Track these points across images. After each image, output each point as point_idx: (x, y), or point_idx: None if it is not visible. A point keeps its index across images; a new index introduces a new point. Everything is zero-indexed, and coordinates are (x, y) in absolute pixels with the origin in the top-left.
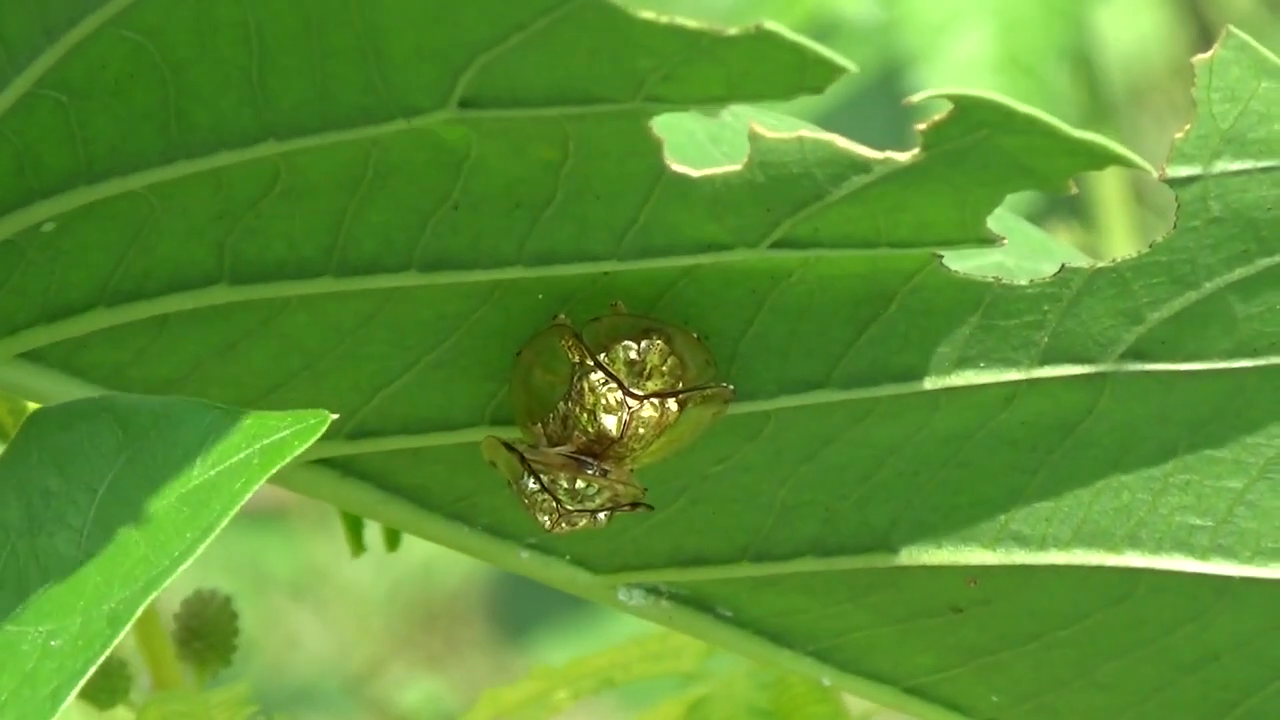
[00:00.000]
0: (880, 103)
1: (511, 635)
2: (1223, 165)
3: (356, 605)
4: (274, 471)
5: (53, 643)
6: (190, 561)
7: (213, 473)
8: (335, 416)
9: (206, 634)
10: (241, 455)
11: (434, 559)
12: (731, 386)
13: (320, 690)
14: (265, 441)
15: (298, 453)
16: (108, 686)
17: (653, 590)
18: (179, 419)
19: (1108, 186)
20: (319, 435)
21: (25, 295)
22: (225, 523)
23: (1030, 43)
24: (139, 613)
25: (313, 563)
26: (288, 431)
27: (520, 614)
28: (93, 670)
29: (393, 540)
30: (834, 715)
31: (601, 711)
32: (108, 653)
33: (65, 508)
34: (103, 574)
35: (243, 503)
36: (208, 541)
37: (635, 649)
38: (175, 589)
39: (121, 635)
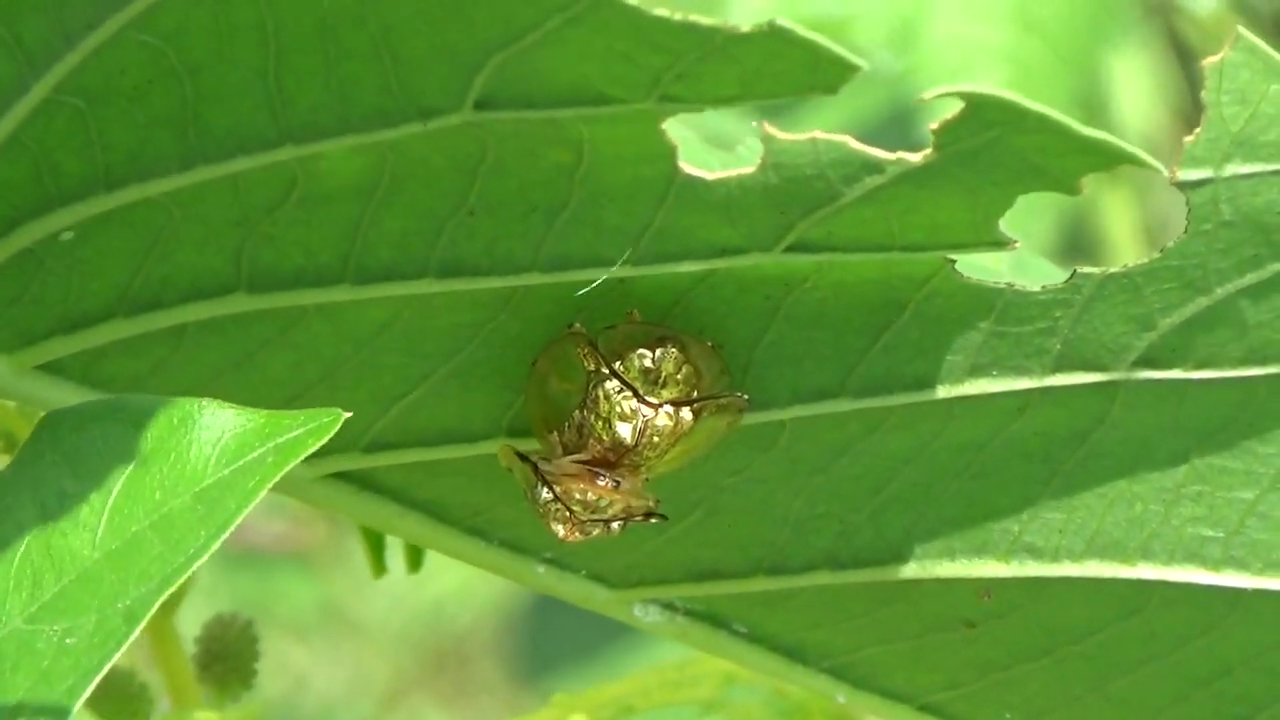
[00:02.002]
0: (893, 149)
1: (522, 677)
2: (1233, 168)
3: (366, 645)
4: (289, 469)
5: (68, 640)
6: (205, 558)
7: (226, 471)
8: (348, 415)
9: (227, 657)
10: (255, 454)
11: (444, 599)
12: (746, 396)
13: None
14: (279, 440)
15: (311, 450)
16: (129, 709)
17: (668, 606)
18: (192, 419)
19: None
20: (332, 434)
21: (43, 305)
22: (239, 520)
23: (1042, 90)
24: (154, 609)
25: (322, 602)
26: (301, 430)
27: (531, 655)
28: (108, 667)
29: (414, 561)
30: None
31: None
32: (123, 649)
33: (79, 507)
34: (117, 572)
35: (257, 500)
36: (222, 539)
37: (654, 676)
38: (194, 614)
39: (136, 633)
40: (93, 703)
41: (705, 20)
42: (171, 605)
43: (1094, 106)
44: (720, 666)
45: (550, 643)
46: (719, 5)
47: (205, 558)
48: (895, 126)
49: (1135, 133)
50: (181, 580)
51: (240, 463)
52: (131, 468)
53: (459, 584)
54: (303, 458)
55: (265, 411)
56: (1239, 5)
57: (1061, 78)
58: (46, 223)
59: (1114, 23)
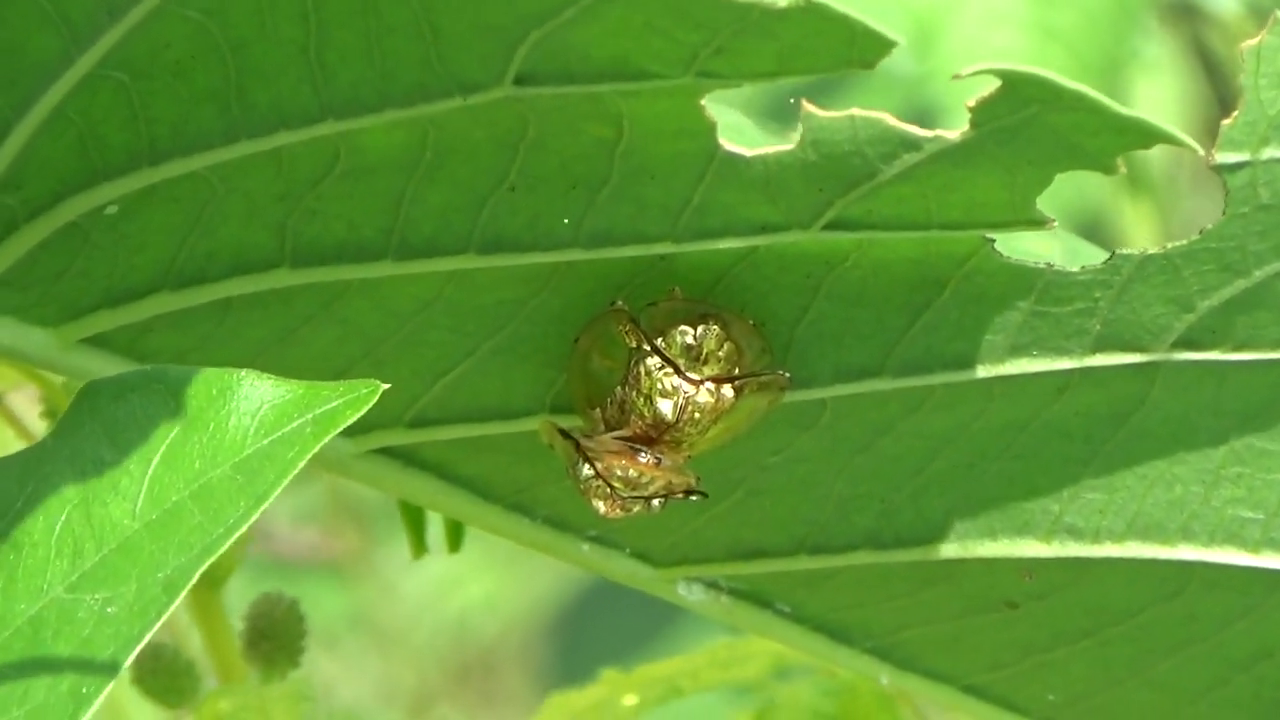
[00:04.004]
0: None
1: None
2: (1270, 152)
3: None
4: (327, 440)
5: (109, 609)
6: (245, 528)
7: (266, 442)
8: (386, 386)
9: (275, 635)
10: (294, 424)
11: (471, 609)
12: (787, 374)
13: None
14: (318, 411)
15: (349, 422)
16: (175, 687)
17: (712, 585)
18: (232, 389)
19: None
20: (370, 405)
21: (88, 279)
22: (279, 491)
23: None
24: (194, 579)
25: (350, 612)
26: (339, 401)
27: (557, 667)
28: (149, 636)
29: (454, 541)
30: None
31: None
32: (164, 619)
33: (119, 477)
34: (157, 542)
35: (296, 471)
36: (262, 509)
37: (703, 657)
38: (238, 595)
39: (177, 602)
40: (140, 680)
41: None
42: (218, 582)
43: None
44: (769, 648)
45: (574, 656)
46: None
47: (245, 528)
48: None
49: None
50: (221, 550)
51: (279, 433)
52: (171, 438)
53: (485, 595)
54: (341, 429)
55: (304, 383)
56: (1258, 9)
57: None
58: (91, 196)
59: (1134, 29)
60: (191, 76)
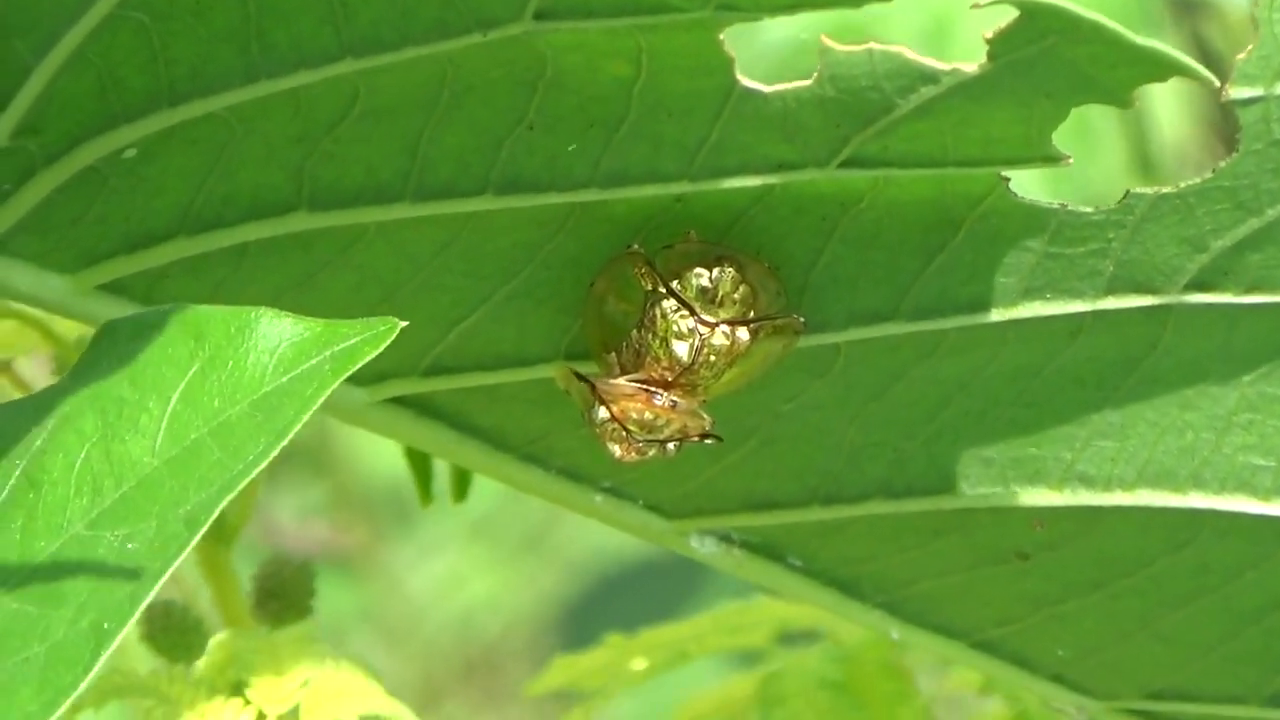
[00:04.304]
0: None
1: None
2: None
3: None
4: (347, 375)
5: (129, 545)
6: (265, 464)
7: (285, 379)
8: (405, 324)
9: (284, 594)
10: (313, 361)
11: (475, 607)
12: (802, 318)
13: None
14: (336, 348)
15: (369, 357)
16: (184, 644)
17: (725, 538)
18: (251, 327)
19: None
20: (389, 342)
21: (106, 224)
22: (298, 428)
23: None
24: (215, 515)
25: (357, 608)
26: (358, 338)
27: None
28: (170, 571)
29: (461, 489)
30: (901, 693)
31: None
32: (185, 554)
33: (139, 415)
34: (177, 478)
35: (315, 407)
36: (281, 445)
37: (710, 622)
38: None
39: (197, 538)
40: (149, 637)
41: None
42: (228, 539)
43: (1129, 111)
44: (774, 613)
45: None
46: None
47: (265, 463)
48: None
49: (1167, 137)
50: (241, 486)
51: (298, 370)
52: (190, 375)
53: (490, 591)
54: (359, 366)
55: (322, 320)
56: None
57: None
58: (110, 139)
59: (1148, 24)
60: (211, 16)
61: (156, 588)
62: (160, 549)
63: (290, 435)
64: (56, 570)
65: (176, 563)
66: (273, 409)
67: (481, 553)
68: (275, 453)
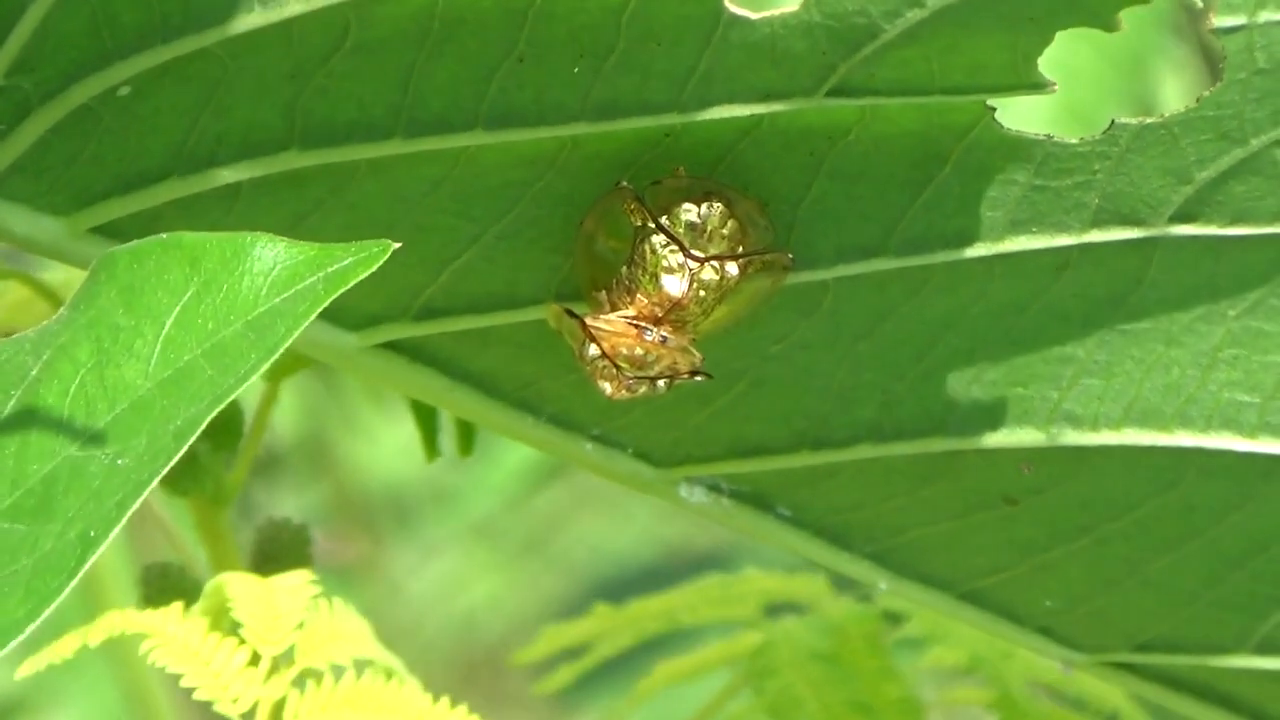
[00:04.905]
0: None
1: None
2: (1268, 14)
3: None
4: (340, 293)
5: (119, 462)
6: (255, 378)
7: (278, 299)
8: (398, 245)
9: (281, 558)
10: (306, 283)
11: (476, 610)
12: (791, 254)
13: None
14: (330, 269)
15: (360, 277)
16: (167, 587)
17: (714, 487)
18: (245, 251)
19: None
20: (381, 262)
21: (100, 165)
22: (289, 342)
23: (1087, 93)
24: (204, 424)
25: (358, 613)
26: (351, 260)
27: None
28: (157, 481)
29: (466, 443)
30: (886, 669)
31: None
32: (174, 462)
33: (133, 340)
34: (169, 398)
35: (307, 323)
36: (272, 359)
37: (698, 594)
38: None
39: (185, 447)
40: (147, 599)
41: None
42: (225, 501)
43: (1148, 108)
44: (761, 586)
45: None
46: None
47: (254, 378)
48: None
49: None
50: (231, 397)
51: (291, 291)
52: (185, 300)
53: (491, 594)
54: (351, 284)
55: (316, 244)
56: None
57: (1111, 84)
58: (104, 78)
59: (1162, 28)
60: None
61: (143, 496)
62: (149, 460)
63: (281, 349)
64: (48, 490)
65: (163, 472)
66: (265, 328)
67: (483, 556)
68: (265, 367)
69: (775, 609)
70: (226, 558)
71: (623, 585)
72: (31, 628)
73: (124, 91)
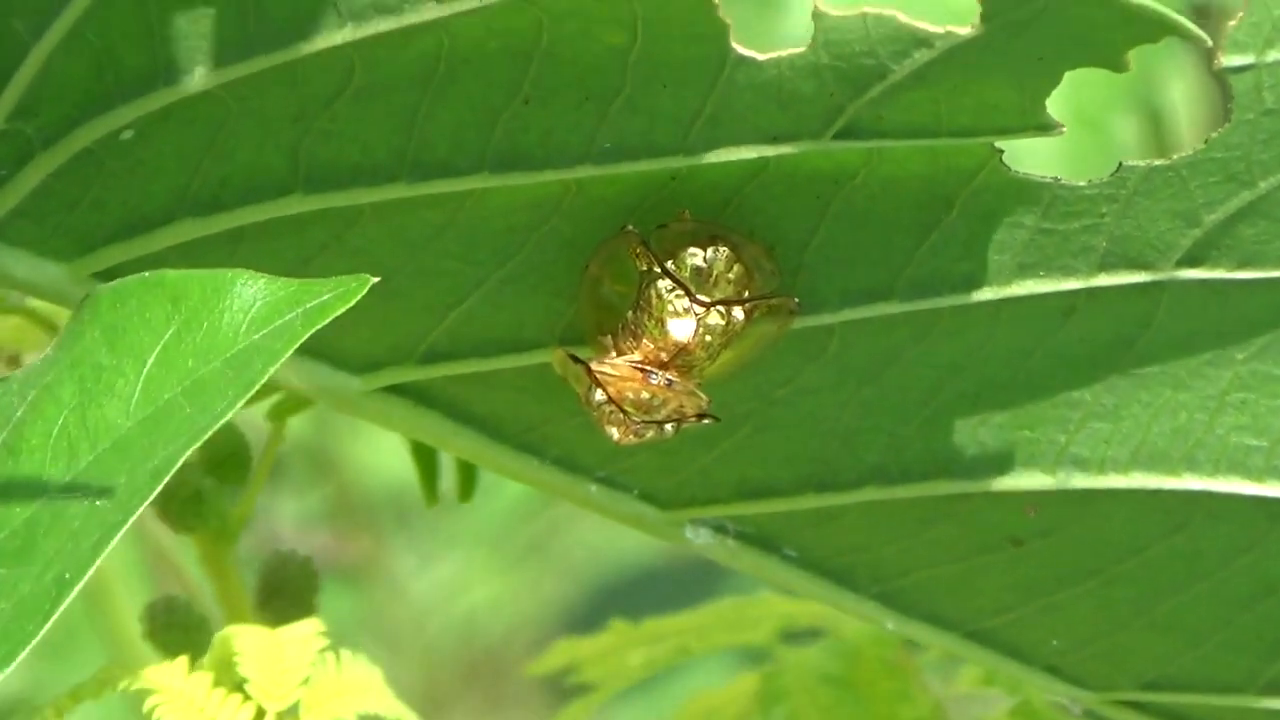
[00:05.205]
0: None
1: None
2: (1275, 54)
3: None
4: (318, 328)
5: (99, 502)
6: (231, 415)
7: (257, 336)
8: (376, 280)
9: (287, 592)
10: (284, 319)
11: (478, 612)
12: (797, 299)
13: None
14: (308, 305)
15: (338, 313)
16: (188, 642)
17: (719, 529)
18: (226, 288)
19: None
20: (359, 298)
21: (103, 210)
22: (265, 379)
23: (1096, 97)
24: (180, 463)
25: (360, 615)
26: (330, 295)
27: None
28: (133, 520)
29: (467, 488)
30: (902, 692)
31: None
32: (147, 503)
33: (115, 379)
34: (148, 437)
35: (283, 359)
36: (248, 395)
37: (713, 617)
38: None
39: (160, 486)
40: (152, 634)
41: None
42: (230, 537)
43: (1156, 112)
44: (776, 610)
45: None
46: None
47: (230, 415)
48: None
49: (1187, 140)
50: (207, 436)
51: (270, 327)
52: (166, 338)
53: (493, 597)
54: (330, 319)
55: (296, 280)
56: None
57: (1116, 84)
58: (107, 120)
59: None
60: None
61: (117, 538)
62: (125, 501)
63: (258, 385)
64: (30, 532)
65: (138, 513)
66: (243, 365)
67: (484, 558)
68: (241, 405)
69: (792, 635)
70: (232, 593)
71: (624, 588)
72: (3, 676)
73: (126, 135)
